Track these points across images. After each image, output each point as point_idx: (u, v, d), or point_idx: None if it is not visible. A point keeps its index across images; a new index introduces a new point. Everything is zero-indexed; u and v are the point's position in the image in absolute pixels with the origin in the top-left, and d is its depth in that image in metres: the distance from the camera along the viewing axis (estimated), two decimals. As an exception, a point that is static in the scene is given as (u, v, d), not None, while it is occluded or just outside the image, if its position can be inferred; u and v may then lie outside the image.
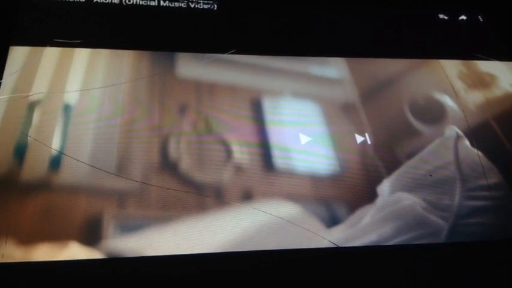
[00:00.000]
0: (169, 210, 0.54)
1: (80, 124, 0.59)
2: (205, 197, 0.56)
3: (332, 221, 0.57)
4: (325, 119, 0.66)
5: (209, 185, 0.57)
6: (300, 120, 0.65)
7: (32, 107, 0.59)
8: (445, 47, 0.78)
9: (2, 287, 0.48)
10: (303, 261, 0.54)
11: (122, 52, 0.66)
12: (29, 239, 0.50)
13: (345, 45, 0.75)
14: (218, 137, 0.61)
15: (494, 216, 0.60)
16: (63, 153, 0.56)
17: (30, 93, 0.59)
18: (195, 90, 0.65)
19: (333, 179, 0.61)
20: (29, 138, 0.56)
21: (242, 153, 0.61)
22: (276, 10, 0.77)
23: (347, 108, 0.67)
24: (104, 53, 0.65)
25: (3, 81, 0.60)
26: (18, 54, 0.63)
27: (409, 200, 0.60)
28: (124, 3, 0.72)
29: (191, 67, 0.67)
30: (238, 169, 0.59)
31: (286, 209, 0.57)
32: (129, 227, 0.53)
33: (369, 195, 0.60)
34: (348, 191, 0.60)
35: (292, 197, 0.58)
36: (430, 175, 0.62)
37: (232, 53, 0.69)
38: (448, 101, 0.70)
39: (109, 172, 0.55)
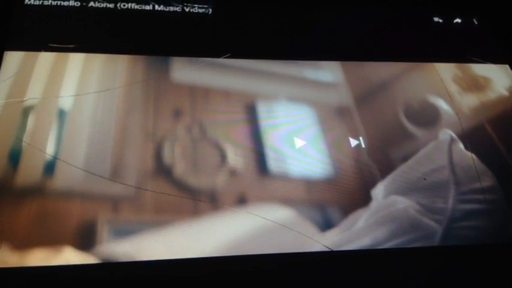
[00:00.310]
0: (163, 215, 0.55)
1: (74, 129, 0.59)
2: (199, 201, 0.56)
3: (326, 225, 0.57)
4: (319, 123, 0.66)
5: (204, 189, 0.57)
6: (295, 124, 0.65)
7: (26, 112, 0.59)
8: (439, 50, 0.79)
9: (-3, 293, 0.48)
10: (297, 265, 0.54)
11: (117, 57, 0.66)
12: (23, 244, 0.50)
13: (339, 49, 0.75)
14: (213, 142, 0.62)
15: (488, 220, 0.60)
16: (57, 159, 0.56)
17: (25, 99, 0.60)
18: (190, 95, 0.65)
19: (327, 183, 0.61)
20: (23, 143, 0.56)
21: (237, 157, 0.61)
22: (270, 14, 0.77)
23: (341, 112, 0.68)
24: (98, 58, 0.66)
25: (-3, 86, 0.60)
26: (12, 60, 0.63)
27: (403, 203, 0.60)
28: (119, 8, 0.72)
29: (186, 71, 0.67)
30: (233, 173, 0.59)
31: (281, 213, 0.57)
32: (123, 232, 0.53)
33: (363, 199, 0.60)
34: (342, 195, 0.60)
35: (286, 200, 0.58)
36: (424, 178, 0.62)
37: (226, 57, 0.69)
38: (442, 105, 0.71)
39: (103, 177, 0.56)
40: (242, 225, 0.55)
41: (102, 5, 0.72)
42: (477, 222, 0.60)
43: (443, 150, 0.66)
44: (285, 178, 0.60)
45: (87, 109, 0.61)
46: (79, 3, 0.71)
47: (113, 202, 0.54)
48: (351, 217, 0.58)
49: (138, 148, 0.59)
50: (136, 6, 0.73)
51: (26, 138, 0.57)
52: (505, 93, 0.74)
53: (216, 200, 0.57)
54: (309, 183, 0.60)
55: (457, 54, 0.78)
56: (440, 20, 0.84)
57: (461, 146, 0.66)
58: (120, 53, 0.67)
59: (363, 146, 0.65)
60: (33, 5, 0.69)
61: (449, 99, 0.72)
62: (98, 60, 0.65)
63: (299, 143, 0.64)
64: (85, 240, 0.51)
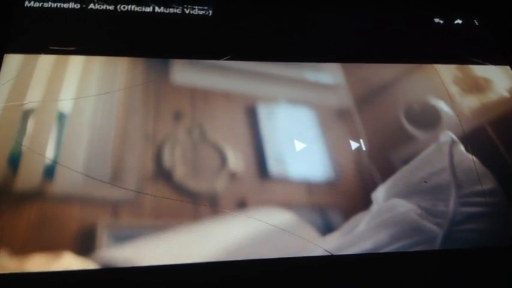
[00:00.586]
0: (163, 219, 0.54)
1: (74, 133, 0.59)
2: (199, 205, 0.56)
3: (327, 229, 0.57)
4: (320, 125, 0.66)
5: (204, 193, 0.57)
6: (295, 126, 0.65)
7: (26, 115, 0.59)
8: (440, 51, 0.78)
9: (-4, 298, 0.48)
10: (298, 269, 0.54)
11: (117, 59, 0.66)
12: (23, 249, 0.50)
13: (339, 50, 0.75)
14: (213, 144, 0.61)
15: (489, 223, 0.60)
16: (57, 163, 0.56)
17: (25, 102, 0.59)
18: (190, 97, 0.65)
19: (328, 186, 0.61)
20: (23, 147, 0.56)
21: (237, 160, 0.61)
22: (270, 16, 0.76)
23: (342, 114, 0.67)
24: (98, 60, 0.65)
25: (-3, 89, 0.60)
26: (12, 62, 0.63)
27: (404, 206, 0.60)
28: (119, 10, 0.72)
29: (186, 73, 0.67)
30: (233, 177, 0.59)
31: (281, 217, 0.57)
32: (123, 237, 0.53)
33: (363, 202, 0.60)
34: (342, 198, 0.60)
35: (286, 204, 0.58)
36: (425, 181, 0.62)
37: (227, 59, 0.69)
38: (443, 106, 0.70)
39: (103, 181, 0.55)
40: (242, 230, 0.55)
41: (102, 7, 0.71)
42: (478, 225, 0.60)
43: (444, 152, 0.65)
44: (285, 181, 0.60)
45: (87, 112, 0.61)
46: (79, 5, 0.71)
47: (113, 206, 0.54)
48: (352, 221, 0.58)
49: (138, 151, 0.59)
50: (137, 8, 0.72)
51: (25, 142, 0.57)
52: (506, 94, 0.74)
53: (216, 204, 0.56)
54: (309, 186, 0.60)
55: (457, 56, 0.78)
56: (441, 21, 0.83)
57: (462, 148, 0.66)
58: (120, 55, 0.66)
59: (364, 148, 0.65)
60: (33, 7, 0.69)
61: (450, 101, 0.71)
62: (98, 63, 0.65)
63: (299, 145, 0.63)
64: (85, 245, 0.51)
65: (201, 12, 0.74)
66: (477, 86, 0.74)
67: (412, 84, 0.73)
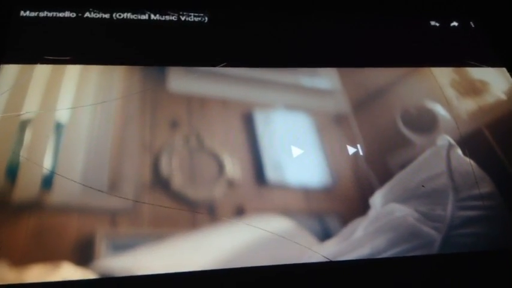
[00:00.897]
0: (162, 228, 0.54)
1: (71, 142, 0.59)
2: (197, 213, 0.56)
3: (324, 235, 0.57)
4: (317, 131, 0.66)
5: (202, 201, 0.57)
6: (292, 132, 0.65)
7: (23, 126, 0.59)
8: (436, 54, 0.78)
9: (-5, 310, 0.48)
10: (296, 276, 0.54)
11: (113, 68, 0.66)
12: (21, 260, 0.50)
13: (335, 55, 0.75)
14: (210, 152, 0.61)
15: (487, 226, 0.60)
16: (55, 173, 0.56)
17: (22, 113, 0.59)
18: (187, 105, 0.65)
19: (325, 192, 0.61)
20: (20, 158, 0.56)
21: (234, 167, 0.61)
22: (266, 22, 0.77)
23: (339, 120, 0.68)
24: (95, 69, 0.65)
25: (-6, 100, 0.60)
26: (8, 73, 0.63)
27: (402, 211, 0.60)
28: (114, 18, 0.72)
29: (182, 81, 0.67)
30: (231, 184, 0.59)
31: (279, 224, 0.57)
32: (122, 246, 0.53)
33: (361, 208, 0.60)
34: (340, 204, 0.60)
35: (284, 211, 0.58)
36: (423, 186, 0.62)
37: (223, 66, 0.69)
38: (440, 110, 0.71)
39: (101, 191, 0.56)
40: (240, 237, 0.55)
41: (97, 15, 0.71)
42: (476, 228, 0.60)
43: (441, 156, 0.65)
44: (282, 188, 0.60)
45: (84, 122, 0.61)
46: (74, 14, 0.71)
47: (111, 216, 0.54)
48: (350, 226, 0.58)
49: (136, 160, 0.59)
50: (132, 16, 0.73)
51: (23, 153, 0.57)
52: (503, 96, 0.74)
53: (214, 212, 0.57)
54: (306, 192, 0.60)
55: (454, 58, 0.78)
56: (437, 24, 0.83)
57: (459, 151, 0.66)
58: (117, 64, 0.66)
59: (361, 153, 0.65)
60: (29, 16, 0.69)
61: (447, 105, 0.71)
62: (95, 72, 0.65)
63: (296, 151, 0.63)
64: (83, 255, 0.51)
65: (197, 19, 0.74)
66: (474, 89, 0.74)
67: (409, 88, 0.73)
